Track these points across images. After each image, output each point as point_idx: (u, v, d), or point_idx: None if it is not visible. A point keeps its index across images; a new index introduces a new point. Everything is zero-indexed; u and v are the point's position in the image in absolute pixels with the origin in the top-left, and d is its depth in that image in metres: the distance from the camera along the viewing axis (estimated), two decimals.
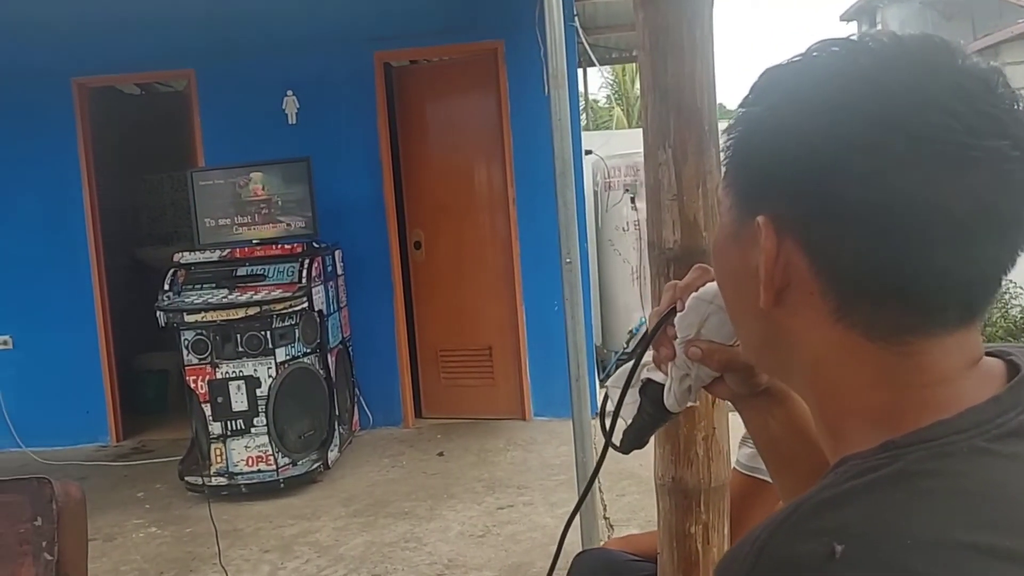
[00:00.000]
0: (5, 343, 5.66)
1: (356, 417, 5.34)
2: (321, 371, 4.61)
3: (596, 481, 3.39)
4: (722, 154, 0.68)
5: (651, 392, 0.88)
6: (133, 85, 6.96)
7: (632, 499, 3.83)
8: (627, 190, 6.35)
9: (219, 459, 4.34)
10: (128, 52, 5.46)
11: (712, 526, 1.26)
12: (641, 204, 6.34)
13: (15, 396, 5.63)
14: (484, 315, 5.56)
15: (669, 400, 0.86)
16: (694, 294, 0.83)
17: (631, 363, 0.90)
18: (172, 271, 4.52)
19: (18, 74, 5.46)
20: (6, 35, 5.44)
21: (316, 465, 4.47)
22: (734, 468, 1.38)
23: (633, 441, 0.91)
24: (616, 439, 0.91)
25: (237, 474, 4.33)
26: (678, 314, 0.84)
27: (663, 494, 1.29)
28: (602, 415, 0.95)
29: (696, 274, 0.84)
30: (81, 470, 5.06)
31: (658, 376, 0.88)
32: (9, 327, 5.66)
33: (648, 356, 0.89)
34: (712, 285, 0.81)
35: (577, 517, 3.24)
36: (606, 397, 0.93)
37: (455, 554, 3.52)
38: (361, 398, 5.43)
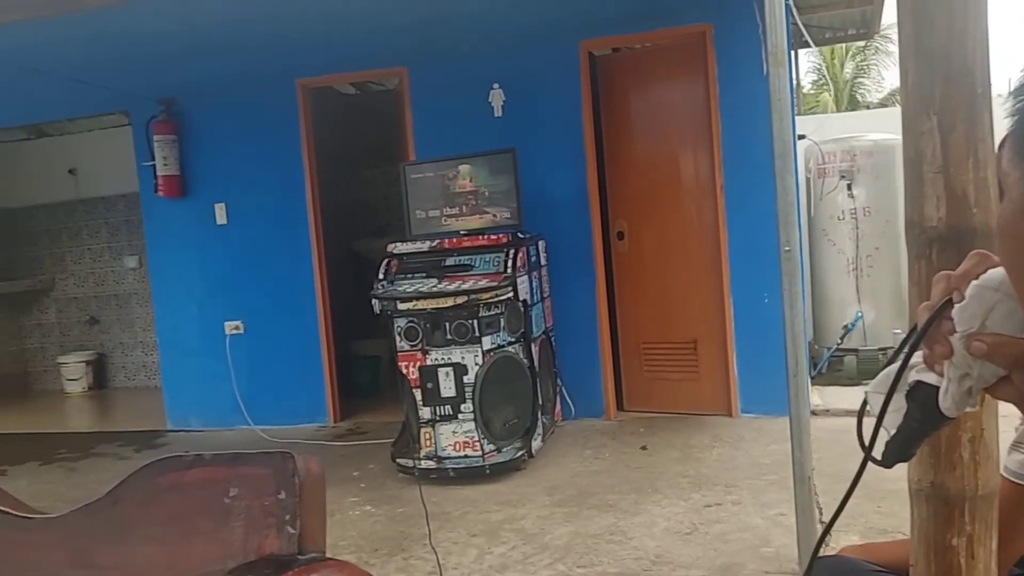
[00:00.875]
0: (237, 328, 6.11)
1: (558, 407, 5.36)
2: (525, 360, 4.65)
3: (810, 482, 3.15)
4: (1007, 120, 0.58)
5: (922, 396, 0.78)
6: (349, 85, 7.32)
7: (851, 502, 3.58)
8: (843, 176, 5.99)
9: (428, 443, 4.47)
10: (346, 53, 5.75)
11: (978, 539, 1.12)
12: (859, 191, 5.97)
13: (245, 377, 6.07)
14: (689, 307, 5.41)
15: (946, 403, 0.76)
16: (975, 282, 0.72)
17: (896, 365, 0.80)
18: (386, 261, 4.70)
19: (251, 80, 5.88)
20: (240, 44, 5.87)
21: (520, 453, 4.51)
22: (1002, 475, 1.23)
23: (898, 453, 0.82)
24: (877, 451, 0.83)
25: (445, 458, 4.45)
26: (956, 305, 0.74)
27: (919, 501, 1.16)
28: (859, 425, 0.86)
29: (973, 261, 0.74)
30: (304, 448, 5.38)
31: (931, 378, 0.78)
32: (241, 313, 6.11)
33: (917, 356, 0.79)
34: (998, 271, 0.71)
35: (792, 518, 3.04)
36: (863, 404, 0.84)
37: (661, 550, 3.43)
38: (563, 388, 5.44)
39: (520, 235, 4.75)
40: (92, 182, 8.42)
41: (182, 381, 6.29)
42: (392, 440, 4.84)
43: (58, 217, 8.64)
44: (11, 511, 1.08)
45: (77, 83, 5.95)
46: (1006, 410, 0.93)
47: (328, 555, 1.02)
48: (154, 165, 5.98)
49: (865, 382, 1.36)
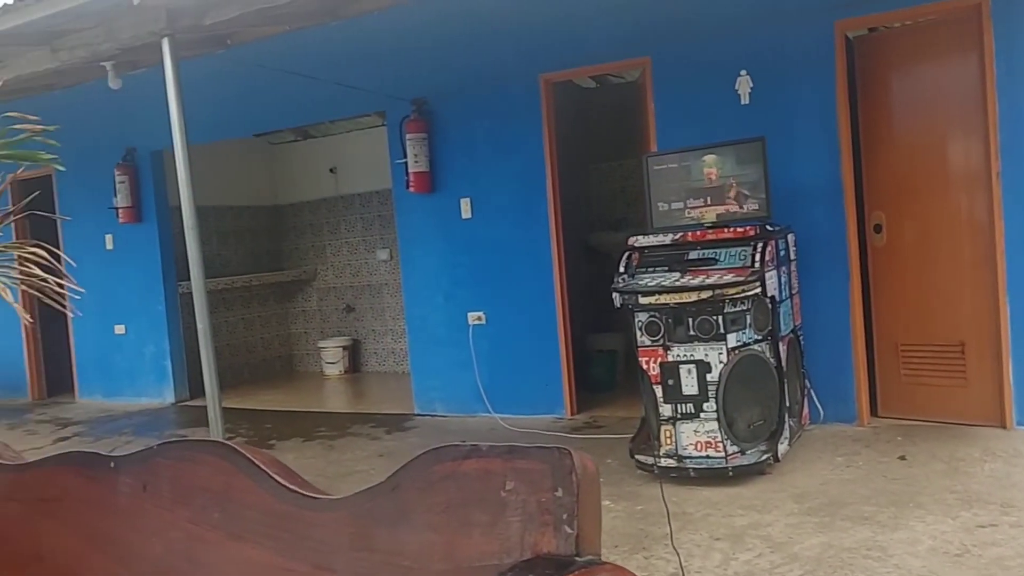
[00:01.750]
0: (480, 319, 6.31)
1: (806, 410, 5.07)
2: (772, 360, 4.43)
3: None
4: None
5: None
6: (589, 78, 7.34)
7: None
8: None
9: (668, 441, 4.38)
10: (589, 46, 5.75)
11: None
12: None
13: (487, 367, 6.26)
14: (955, 306, 4.95)
15: None
16: None
17: None
18: (627, 254, 4.65)
19: (496, 77, 6.05)
20: (486, 41, 6.06)
21: (765, 456, 4.31)
22: None
23: None
24: None
25: (686, 457, 4.34)
26: None
27: None
28: None
29: None
30: (543, 439, 5.46)
31: None
32: (484, 304, 6.30)
33: None
34: None
35: None
36: None
37: (927, 571, 3.14)
38: (811, 390, 5.15)
39: (769, 228, 4.53)
40: (350, 180, 9.03)
41: (429, 368, 6.59)
42: (630, 436, 4.79)
43: (320, 213, 9.34)
44: (301, 490, 1.13)
45: (341, 87, 6.38)
46: None
47: None
48: (406, 162, 6.29)
49: None
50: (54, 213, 7.92)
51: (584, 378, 6.52)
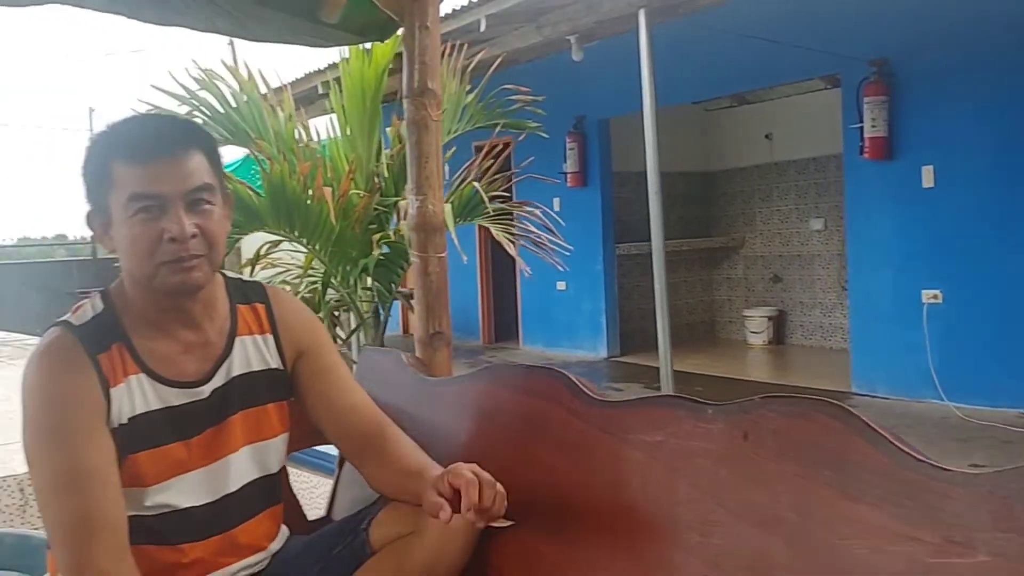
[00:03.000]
0: (935, 297, 5.82)
1: None
2: None
3: None
4: None
5: None
6: None
7: None
8: None
9: None
10: None
11: None
12: None
13: (941, 349, 5.76)
14: None
15: None
16: None
17: None
18: None
19: (977, 29, 5.46)
20: None
21: None
22: None
23: None
24: None
25: None
26: None
27: None
28: None
29: None
30: (1006, 433, 4.94)
31: None
32: (941, 282, 5.80)
33: None
34: None
35: None
36: None
37: None
38: None
39: None
40: (786, 146, 8.79)
41: (871, 346, 6.24)
42: None
43: (752, 180, 9.23)
44: (929, 460, 1.10)
45: (783, 50, 6.19)
46: None
47: None
48: (861, 127, 5.96)
49: None
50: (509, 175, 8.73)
51: None
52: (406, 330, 10.42)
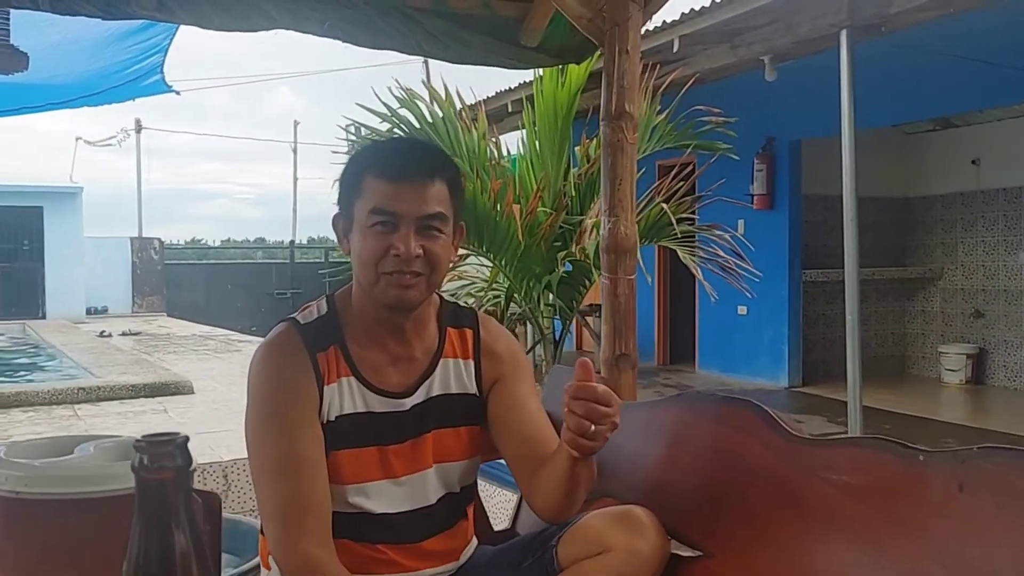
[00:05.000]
0: None
1: None
2: None
3: None
4: None
5: None
6: None
7: None
8: None
9: None
10: None
11: None
12: None
13: None
14: None
15: None
16: None
17: None
18: None
19: None
20: None
21: None
22: None
23: None
24: None
25: None
26: None
27: None
28: None
29: None
30: None
31: None
32: None
33: None
34: None
35: None
36: None
37: None
38: None
39: None
40: (995, 173, 8.19)
41: None
42: None
43: (954, 207, 8.66)
44: None
45: (996, 71, 5.78)
46: None
47: None
48: None
49: None
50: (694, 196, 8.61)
51: None
52: (579, 346, 10.47)
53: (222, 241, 21.45)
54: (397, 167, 1.46)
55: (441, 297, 1.62)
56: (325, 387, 1.47)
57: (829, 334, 8.67)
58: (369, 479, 1.50)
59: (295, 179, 19.74)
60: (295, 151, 19.76)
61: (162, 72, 5.16)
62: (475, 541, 1.69)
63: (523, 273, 3.99)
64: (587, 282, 4.03)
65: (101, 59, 4.77)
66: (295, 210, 19.14)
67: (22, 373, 8.24)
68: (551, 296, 4.04)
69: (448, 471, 1.58)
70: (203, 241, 20.46)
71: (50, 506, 0.61)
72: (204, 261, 18.76)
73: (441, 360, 1.58)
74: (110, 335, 10.71)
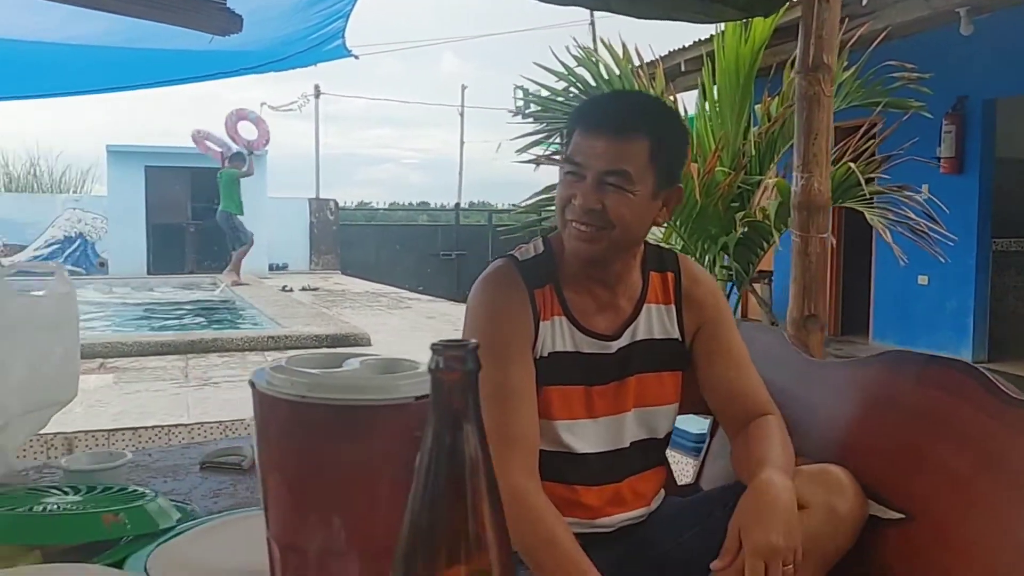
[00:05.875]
0: None
1: None
2: None
3: None
4: None
5: None
6: None
7: None
8: None
9: None
10: None
11: None
12: None
13: None
14: None
15: None
16: None
17: None
18: None
19: None
20: None
21: None
22: None
23: None
24: None
25: None
26: None
27: None
28: None
29: None
30: None
31: None
32: None
33: None
34: None
35: None
36: None
37: None
38: None
39: None
40: None
41: None
42: None
43: None
44: None
45: None
46: None
47: None
48: None
49: None
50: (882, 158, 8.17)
51: None
52: (744, 315, 10.22)
53: (389, 204, 22.18)
54: (595, 120, 1.48)
55: (645, 242, 1.62)
56: (541, 323, 1.51)
57: (1020, 308, 8.09)
58: (575, 417, 1.54)
59: (461, 143, 20.10)
60: (462, 115, 20.11)
61: (343, 37, 5.39)
62: (662, 492, 1.71)
63: (698, 234, 3.94)
64: (764, 244, 3.93)
65: (289, 26, 5.03)
66: (461, 174, 19.54)
67: (217, 322, 8.88)
68: (726, 258, 3.96)
69: (646, 416, 1.60)
70: (370, 204, 21.18)
71: (330, 410, 0.67)
72: (373, 223, 19.49)
73: (644, 306, 1.60)
74: (291, 290, 11.37)
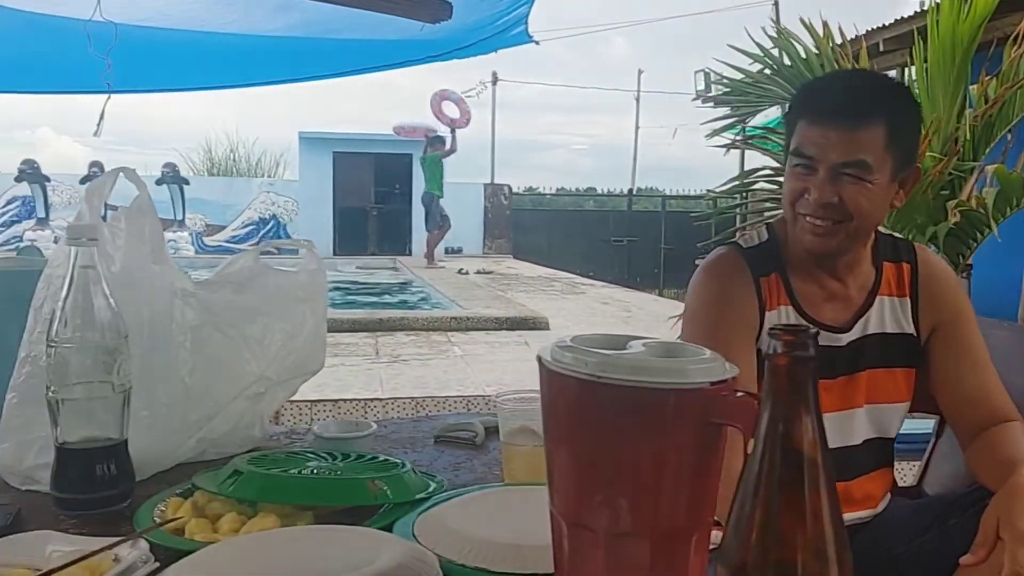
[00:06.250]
0: None
1: None
2: None
3: None
4: None
5: None
6: None
7: None
8: None
9: None
10: None
11: None
12: None
13: None
14: None
15: None
16: None
17: None
18: None
19: None
20: None
21: None
22: None
23: None
24: None
25: None
26: None
27: None
28: None
29: None
30: None
31: None
32: None
33: None
34: None
35: None
36: None
37: None
38: None
39: None
40: None
41: None
42: None
43: None
44: None
45: None
46: None
47: None
48: None
49: None
50: None
51: None
52: None
53: (556, 190, 22.30)
54: (822, 109, 1.40)
55: (877, 231, 1.54)
56: (767, 312, 1.47)
57: None
58: None
59: (636, 128, 19.92)
60: (638, 100, 19.94)
61: (526, 23, 5.45)
62: (889, 494, 1.63)
63: (904, 223, 3.71)
64: (979, 235, 3.67)
65: (475, 14, 5.13)
66: (635, 159, 19.37)
67: (400, 302, 9.25)
68: (935, 250, 3.72)
69: (878, 413, 1.53)
70: (537, 189, 21.35)
71: (618, 390, 0.68)
72: (542, 207, 19.67)
73: (877, 298, 1.52)
74: (467, 273, 11.67)
